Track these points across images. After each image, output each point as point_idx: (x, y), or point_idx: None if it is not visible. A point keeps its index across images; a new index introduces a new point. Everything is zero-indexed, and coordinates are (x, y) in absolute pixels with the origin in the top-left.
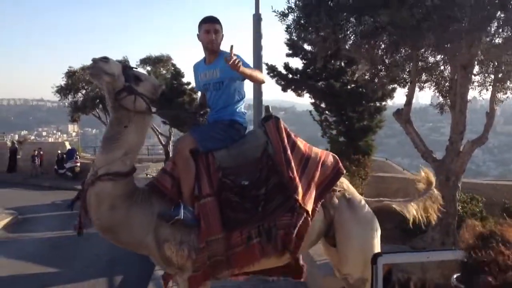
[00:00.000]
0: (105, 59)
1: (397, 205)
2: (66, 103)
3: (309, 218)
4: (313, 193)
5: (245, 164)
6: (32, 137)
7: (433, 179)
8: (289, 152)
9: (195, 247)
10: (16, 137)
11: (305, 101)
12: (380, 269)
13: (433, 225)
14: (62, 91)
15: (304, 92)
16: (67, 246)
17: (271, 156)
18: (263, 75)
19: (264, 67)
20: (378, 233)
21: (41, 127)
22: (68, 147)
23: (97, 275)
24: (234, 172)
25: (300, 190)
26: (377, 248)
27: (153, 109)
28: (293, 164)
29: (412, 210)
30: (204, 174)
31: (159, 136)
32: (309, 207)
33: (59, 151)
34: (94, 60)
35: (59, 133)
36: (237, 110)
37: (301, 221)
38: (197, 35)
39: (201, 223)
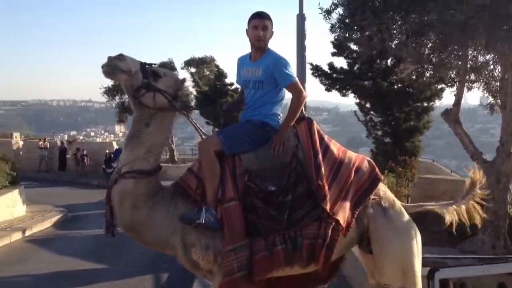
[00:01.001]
0: (120, 57)
1: (438, 208)
2: (114, 104)
3: (340, 228)
4: (345, 202)
5: (273, 168)
6: (81, 137)
7: (478, 180)
8: (320, 156)
9: (220, 251)
10: (66, 137)
11: (349, 101)
12: (437, 284)
13: (483, 227)
14: (110, 92)
15: (349, 92)
16: (114, 243)
17: (300, 161)
18: (302, 90)
19: (308, 67)
20: (418, 240)
21: (89, 128)
22: (116, 147)
23: (143, 272)
24: (260, 176)
25: (328, 198)
26: (417, 256)
27: (176, 104)
28: (323, 170)
29: (454, 213)
30: (229, 177)
31: (203, 136)
32: (340, 216)
33: (107, 151)
34: (109, 58)
35: (107, 133)
36: (272, 111)
37: (330, 231)
38: (246, 30)
39: (224, 228)
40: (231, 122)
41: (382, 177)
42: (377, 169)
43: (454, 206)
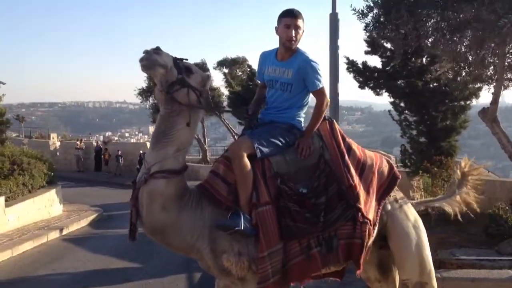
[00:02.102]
0: (157, 50)
1: (438, 203)
2: (147, 105)
3: (372, 227)
4: (372, 201)
5: (301, 170)
6: (116, 138)
7: (466, 168)
8: (346, 157)
9: (253, 257)
10: (101, 138)
11: (383, 100)
12: None
13: None
14: (144, 93)
15: (383, 91)
16: (148, 242)
17: (328, 162)
18: (327, 96)
19: (344, 60)
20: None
21: (124, 128)
22: None
23: (176, 271)
24: (291, 178)
25: (362, 198)
26: (428, 249)
27: (203, 102)
28: (352, 170)
29: (453, 205)
30: (261, 180)
31: (235, 136)
32: (371, 215)
33: (141, 151)
34: (147, 51)
35: (141, 134)
36: (298, 115)
37: (367, 231)
38: (275, 28)
39: (260, 233)
40: (256, 123)
41: (400, 176)
42: (395, 168)
43: (451, 198)
